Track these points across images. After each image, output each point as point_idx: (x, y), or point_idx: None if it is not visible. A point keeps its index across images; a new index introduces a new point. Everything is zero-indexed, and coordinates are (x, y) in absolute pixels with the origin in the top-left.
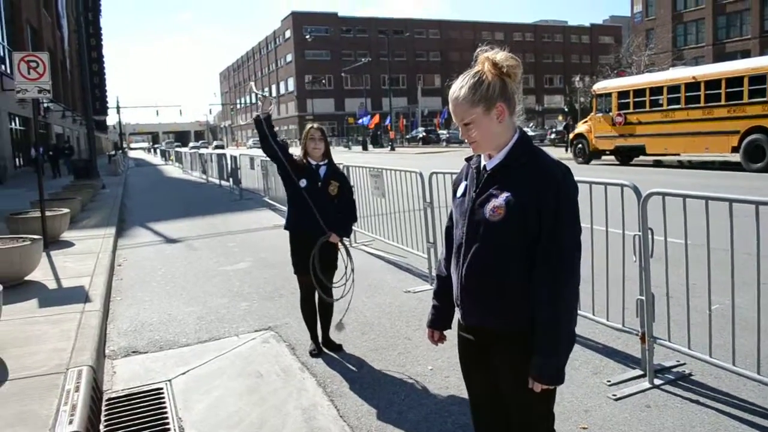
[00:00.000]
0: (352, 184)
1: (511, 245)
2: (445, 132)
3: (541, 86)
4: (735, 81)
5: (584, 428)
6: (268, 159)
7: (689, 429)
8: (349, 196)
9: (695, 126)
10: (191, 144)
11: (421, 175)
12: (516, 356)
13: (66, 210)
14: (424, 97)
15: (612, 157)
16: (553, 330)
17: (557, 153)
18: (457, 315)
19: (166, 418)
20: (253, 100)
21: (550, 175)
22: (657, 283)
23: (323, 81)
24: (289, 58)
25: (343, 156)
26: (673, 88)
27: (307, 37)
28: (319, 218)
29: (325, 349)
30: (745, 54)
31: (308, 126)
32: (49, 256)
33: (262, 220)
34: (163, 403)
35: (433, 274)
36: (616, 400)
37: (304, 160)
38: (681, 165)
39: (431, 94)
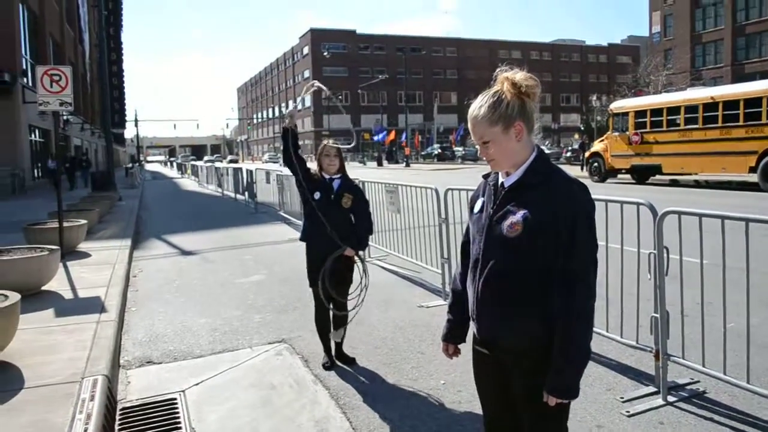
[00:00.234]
0: (367, 199)
1: (528, 261)
2: (460, 149)
3: (558, 105)
4: (753, 102)
5: None
6: (283, 174)
7: None
8: (365, 209)
9: (712, 146)
10: (206, 158)
11: (436, 191)
12: (531, 371)
13: (83, 221)
14: (440, 114)
15: (628, 176)
16: (570, 345)
17: (573, 171)
18: (473, 329)
19: (180, 428)
20: (305, 105)
21: (568, 193)
22: (672, 301)
23: (340, 97)
24: (307, 74)
25: (358, 172)
26: (691, 108)
27: (325, 53)
28: (331, 231)
29: (339, 362)
30: (764, 75)
31: (324, 142)
32: (65, 267)
33: (277, 234)
34: (177, 413)
35: (447, 289)
36: (630, 416)
37: (318, 175)
38: (698, 185)
39: (447, 111)
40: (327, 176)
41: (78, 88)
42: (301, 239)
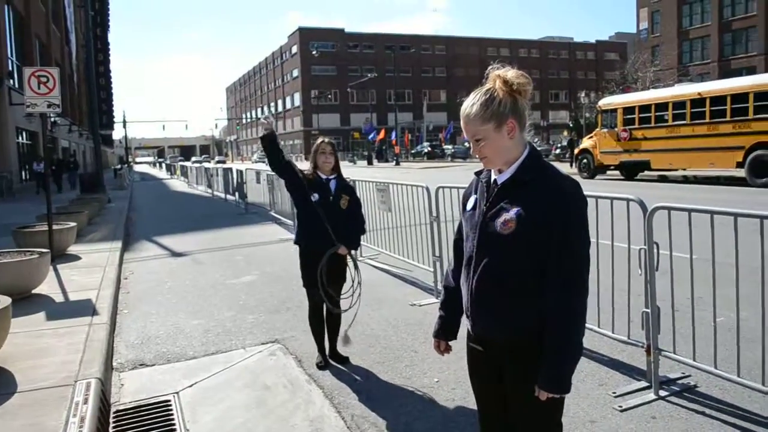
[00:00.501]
0: (359, 198)
1: (522, 258)
2: (450, 147)
3: (547, 102)
4: (740, 97)
5: None
6: (274, 173)
7: None
8: (358, 210)
9: (700, 142)
10: (193, 158)
11: (427, 189)
12: (525, 368)
13: (73, 224)
14: (430, 113)
15: (617, 172)
16: (562, 340)
17: (562, 168)
18: (467, 326)
19: (174, 430)
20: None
21: (560, 190)
22: (662, 296)
23: (329, 96)
24: (296, 73)
25: (348, 170)
26: (679, 104)
27: (314, 52)
28: (331, 232)
29: (332, 361)
30: (751, 71)
31: (319, 140)
32: (56, 270)
33: (268, 234)
34: (171, 415)
35: (439, 287)
36: (622, 411)
37: (314, 174)
38: (686, 180)
39: (437, 109)
40: (324, 176)
41: (65, 90)
42: (296, 242)
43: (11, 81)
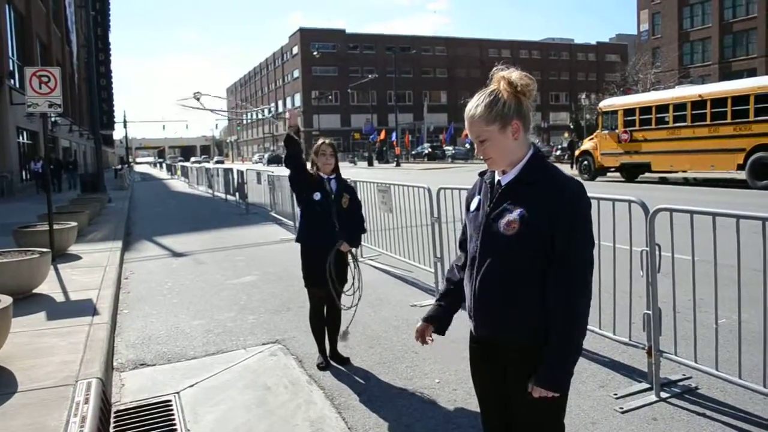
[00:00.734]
0: (359, 198)
1: (525, 259)
2: (450, 148)
3: (547, 103)
4: (741, 99)
5: None
6: (274, 174)
7: None
8: (358, 209)
9: (701, 144)
10: (192, 159)
11: (428, 190)
12: (528, 369)
13: (73, 223)
14: (430, 114)
15: (617, 174)
16: (563, 340)
17: (563, 169)
18: (470, 327)
19: (175, 430)
20: (265, 115)
21: (564, 191)
22: (664, 297)
23: (330, 97)
24: (296, 73)
25: (348, 171)
26: (679, 106)
27: (315, 53)
28: (337, 225)
29: (333, 362)
30: (752, 72)
31: (320, 141)
32: (56, 269)
33: (269, 235)
34: (172, 415)
35: (440, 287)
36: (623, 413)
37: (315, 174)
38: (686, 182)
39: (437, 110)
40: (324, 176)
41: (66, 90)
42: (298, 240)
43: (12, 81)
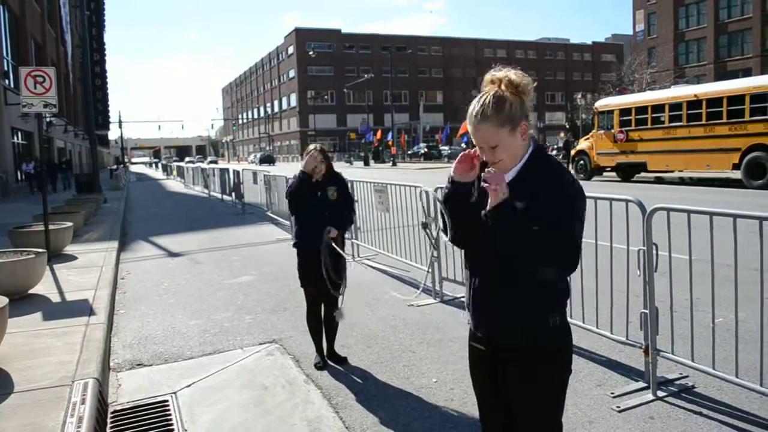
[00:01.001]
0: (356, 198)
1: (526, 254)
2: (446, 148)
3: (543, 103)
4: (736, 99)
5: None
6: (270, 174)
7: None
8: (347, 199)
9: (697, 143)
10: (187, 159)
11: (425, 190)
12: (527, 367)
13: (69, 224)
14: (426, 113)
15: (613, 174)
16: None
17: None
18: (470, 325)
19: (172, 430)
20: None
21: (560, 183)
22: (661, 297)
23: (326, 97)
24: (292, 73)
25: (345, 171)
26: (675, 106)
27: (310, 53)
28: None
29: (330, 361)
30: (747, 72)
31: (311, 147)
32: (52, 270)
33: (265, 234)
34: (169, 415)
35: (437, 288)
36: (620, 411)
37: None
38: (682, 182)
39: (433, 110)
40: (315, 179)
41: (61, 90)
42: (295, 245)
43: (7, 81)
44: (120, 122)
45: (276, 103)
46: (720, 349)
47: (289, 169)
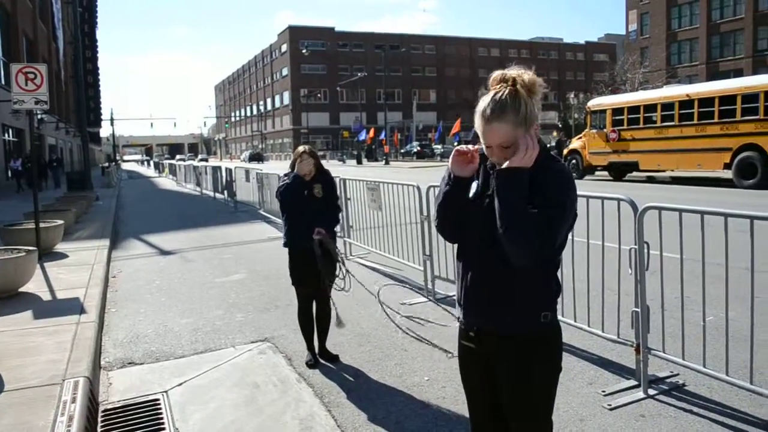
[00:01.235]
0: (348, 197)
1: (515, 233)
2: (439, 147)
3: None
4: (728, 99)
5: None
6: (262, 172)
7: None
8: (332, 195)
9: (688, 143)
10: (178, 156)
11: (418, 188)
12: (517, 362)
13: (60, 221)
14: (419, 112)
15: (605, 173)
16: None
17: None
18: (460, 322)
19: (163, 429)
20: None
21: (560, 176)
22: (652, 295)
23: (319, 95)
24: (285, 71)
25: (338, 170)
26: (667, 106)
27: (304, 51)
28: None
29: (322, 359)
30: (738, 73)
31: (300, 149)
32: (43, 268)
33: (257, 233)
34: (160, 414)
35: (429, 286)
36: (611, 409)
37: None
38: (673, 181)
39: (426, 108)
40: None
41: (52, 87)
42: (285, 245)
43: None
44: (112, 119)
45: (269, 101)
46: (710, 347)
47: (281, 167)
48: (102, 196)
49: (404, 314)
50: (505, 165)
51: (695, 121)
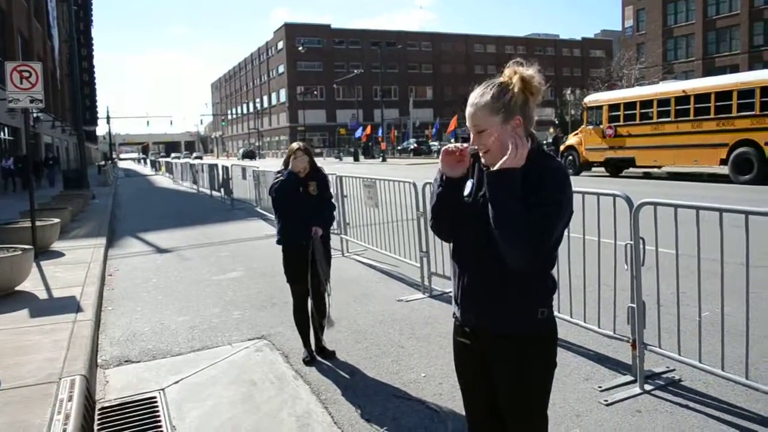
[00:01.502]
0: (345, 194)
1: (508, 233)
2: (436, 143)
3: None
4: (724, 95)
5: None
6: (259, 169)
7: None
8: (327, 193)
9: (684, 139)
10: (173, 155)
11: (414, 185)
12: (513, 358)
13: (56, 220)
14: (416, 109)
15: (602, 169)
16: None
17: None
18: (456, 319)
19: (160, 426)
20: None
21: (557, 176)
22: (648, 291)
23: (315, 92)
24: (282, 69)
25: (334, 167)
26: (663, 102)
27: (300, 48)
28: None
29: (319, 356)
30: (734, 69)
31: (294, 146)
32: (39, 266)
33: (254, 230)
34: (157, 411)
35: (426, 283)
36: (608, 405)
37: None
38: (670, 177)
39: (423, 105)
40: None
41: (48, 85)
42: (278, 242)
43: None
44: (108, 118)
45: (265, 98)
46: (706, 342)
47: (278, 164)
48: (98, 195)
49: (401, 311)
50: (496, 166)
51: (691, 117)
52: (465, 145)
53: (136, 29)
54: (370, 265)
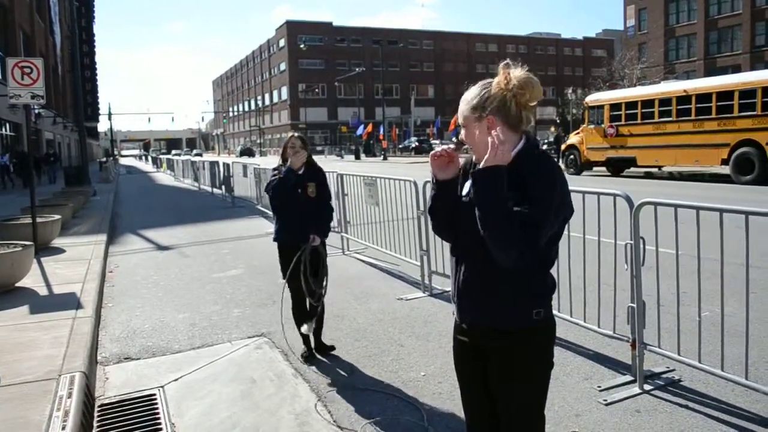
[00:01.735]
0: (346, 192)
1: (497, 232)
2: (437, 142)
3: None
4: (726, 95)
5: None
6: (260, 167)
7: None
8: (326, 196)
9: (686, 138)
10: (173, 152)
11: (415, 183)
12: (511, 358)
13: (57, 216)
14: (417, 107)
15: (603, 168)
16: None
17: None
18: (455, 317)
19: (159, 423)
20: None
21: (546, 174)
22: (648, 291)
23: (317, 90)
24: (283, 66)
25: (335, 165)
26: (665, 101)
27: (302, 46)
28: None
29: (318, 354)
30: (736, 69)
31: (289, 134)
32: (40, 263)
33: (255, 228)
34: (156, 409)
35: (426, 281)
36: (607, 405)
37: (284, 167)
38: (671, 177)
39: (424, 104)
40: (294, 170)
41: (49, 81)
42: (275, 240)
43: None
44: (109, 114)
45: (267, 96)
46: (706, 342)
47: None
48: (99, 191)
49: (401, 310)
50: (480, 165)
51: (693, 117)
52: (451, 146)
53: (138, 26)
54: (371, 264)
